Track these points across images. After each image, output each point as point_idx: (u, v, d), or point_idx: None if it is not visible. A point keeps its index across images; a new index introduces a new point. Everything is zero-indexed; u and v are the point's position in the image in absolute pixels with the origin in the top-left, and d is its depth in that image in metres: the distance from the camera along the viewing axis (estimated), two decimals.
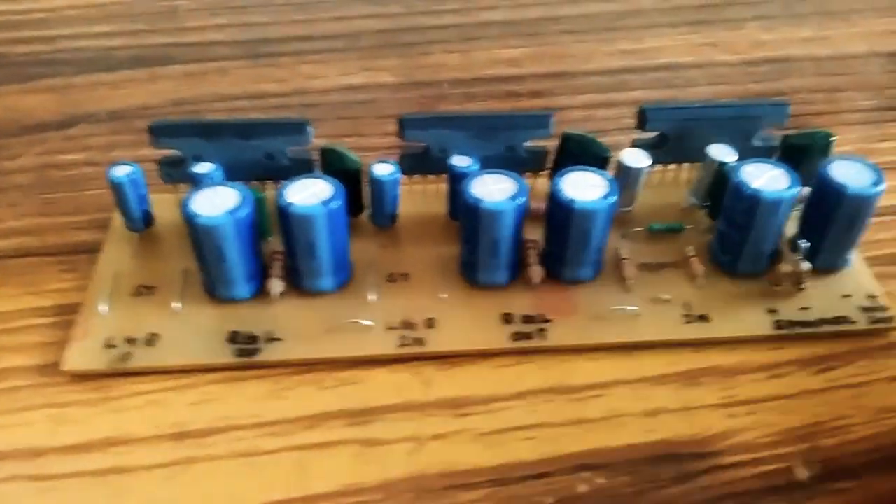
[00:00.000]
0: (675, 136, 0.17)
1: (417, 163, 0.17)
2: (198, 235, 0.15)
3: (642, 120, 0.17)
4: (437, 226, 0.18)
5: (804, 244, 0.16)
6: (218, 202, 0.15)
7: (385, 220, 0.17)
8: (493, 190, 0.15)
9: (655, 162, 0.18)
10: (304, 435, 0.14)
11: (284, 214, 0.15)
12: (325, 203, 0.15)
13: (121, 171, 0.16)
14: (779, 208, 0.15)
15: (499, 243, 0.15)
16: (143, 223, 0.17)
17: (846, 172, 0.16)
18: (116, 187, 0.16)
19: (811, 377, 0.15)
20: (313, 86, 0.23)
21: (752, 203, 0.15)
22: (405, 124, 0.16)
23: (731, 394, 0.15)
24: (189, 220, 0.15)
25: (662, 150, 0.18)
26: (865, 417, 0.15)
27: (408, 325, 0.16)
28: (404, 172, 0.17)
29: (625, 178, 0.17)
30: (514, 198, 0.15)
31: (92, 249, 0.18)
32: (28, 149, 0.21)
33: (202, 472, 0.14)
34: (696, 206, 0.18)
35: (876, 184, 0.16)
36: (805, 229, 0.17)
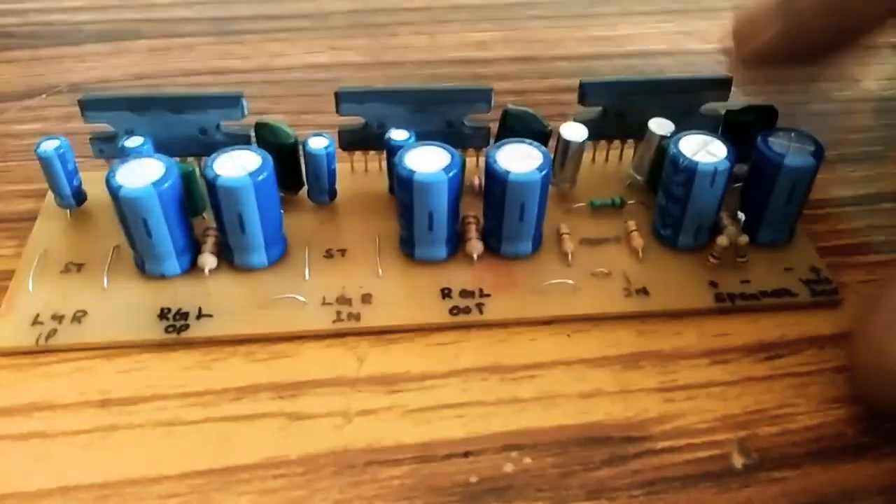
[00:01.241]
0: (616, 111, 0.17)
1: (356, 138, 0.17)
2: (122, 208, 0.14)
3: (582, 94, 0.17)
4: (378, 202, 0.17)
5: (741, 216, 0.16)
6: (142, 174, 0.14)
7: (322, 195, 0.17)
8: (427, 162, 0.15)
9: (600, 138, 0.17)
10: (230, 406, 0.14)
11: (211, 186, 0.14)
12: (253, 175, 0.14)
13: (48, 146, 0.16)
14: (714, 180, 0.15)
15: (433, 216, 0.15)
16: (74, 199, 0.17)
17: (784, 144, 0.16)
18: (44, 162, 0.16)
19: (756, 364, 0.15)
20: (277, 63, 0.23)
21: (688, 175, 0.15)
22: (341, 98, 0.16)
23: (670, 378, 0.15)
24: (112, 193, 0.14)
25: (605, 125, 0.17)
26: (809, 407, 0.14)
27: (343, 300, 0.15)
28: (343, 148, 0.17)
29: (564, 153, 0.16)
30: (447, 169, 0.14)
31: (35, 218, 0.18)
32: None
33: (123, 440, 0.13)
34: (638, 181, 0.18)
35: (815, 155, 0.15)
36: (745, 203, 0.16)
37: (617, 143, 0.18)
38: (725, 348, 0.15)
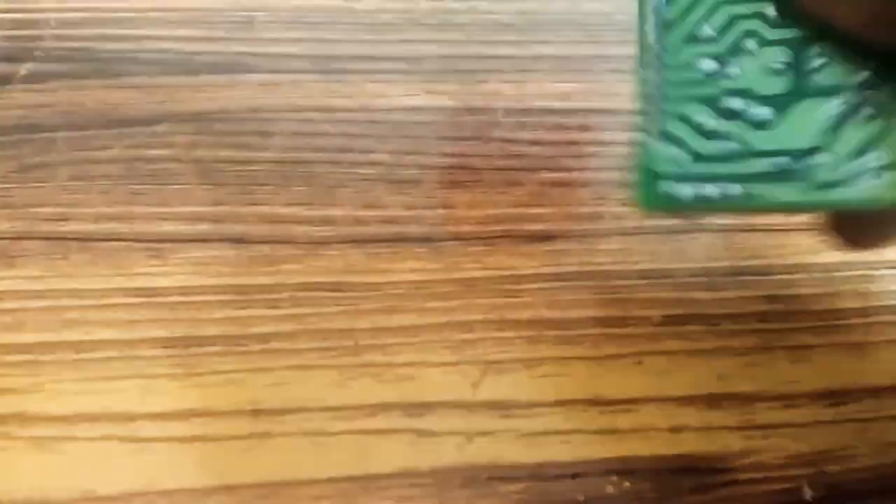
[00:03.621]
0: None
1: None
2: None
3: None
4: None
5: None
6: None
7: None
8: None
9: None
10: (365, 421, 0.16)
11: None
12: None
13: None
14: None
15: None
16: None
17: None
18: None
19: (822, 409, 0.17)
20: (377, 104, 0.25)
21: None
22: None
23: (749, 418, 0.17)
24: None
25: None
26: (869, 449, 0.16)
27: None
28: None
29: None
30: None
31: (175, 240, 0.20)
32: (116, 141, 0.23)
33: (276, 446, 0.16)
34: None
35: None
36: None
37: None
38: (795, 393, 0.17)
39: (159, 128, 0.23)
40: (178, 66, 0.26)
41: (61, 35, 0.27)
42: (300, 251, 0.19)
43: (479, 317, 0.18)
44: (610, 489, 0.15)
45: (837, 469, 0.16)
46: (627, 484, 0.15)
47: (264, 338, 0.17)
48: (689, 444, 0.16)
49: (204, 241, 0.20)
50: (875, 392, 0.17)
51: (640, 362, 0.18)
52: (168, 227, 0.20)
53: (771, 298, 0.19)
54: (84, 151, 0.22)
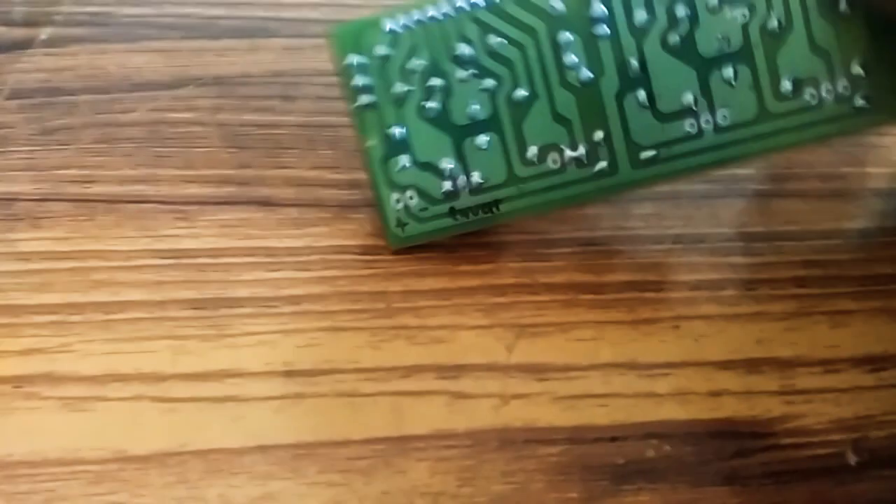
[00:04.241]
0: None
1: None
2: None
3: None
4: None
5: None
6: None
7: None
8: None
9: None
10: (399, 383, 0.16)
11: None
12: None
13: None
14: None
15: None
16: None
17: None
18: None
19: (864, 375, 0.17)
20: None
21: None
22: None
23: (789, 383, 0.16)
24: None
25: None
26: None
27: None
28: None
29: None
30: None
31: (202, 202, 0.19)
32: (140, 104, 0.22)
33: (310, 407, 0.15)
34: None
35: None
36: None
37: None
38: (835, 359, 0.17)
39: (182, 91, 0.23)
40: (199, 31, 0.26)
41: (81, 0, 0.27)
42: (328, 214, 0.19)
43: (512, 280, 0.18)
44: (650, 453, 0.15)
45: (881, 434, 0.16)
46: (668, 447, 0.15)
47: (295, 300, 0.17)
48: (730, 409, 0.16)
49: (231, 203, 0.19)
50: None
51: (677, 326, 0.17)
52: (194, 190, 0.20)
53: (808, 263, 0.18)
54: (107, 114, 0.22)
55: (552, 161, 0.17)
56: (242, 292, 0.17)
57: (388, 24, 0.17)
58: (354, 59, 0.17)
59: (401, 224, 0.17)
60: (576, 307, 0.18)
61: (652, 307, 0.18)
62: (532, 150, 0.17)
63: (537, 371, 0.16)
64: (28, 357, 0.16)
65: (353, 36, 0.17)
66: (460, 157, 0.17)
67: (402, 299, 0.17)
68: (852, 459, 0.15)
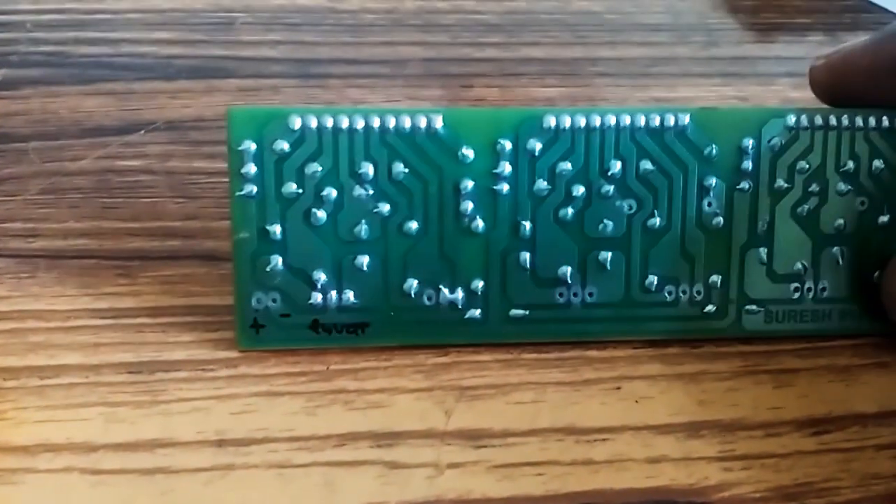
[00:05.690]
0: None
1: None
2: None
3: None
4: None
5: None
6: None
7: None
8: None
9: None
10: (333, 452, 0.16)
11: None
12: None
13: None
14: None
15: None
16: None
17: None
18: None
19: (805, 438, 0.16)
20: None
21: None
22: None
23: (729, 448, 0.16)
24: None
25: None
26: (853, 482, 0.16)
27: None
28: None
29: None
30: None
31: (144, 257, 0.19)
32: (89, 151, 0.22)
33: (241, 479, 0.15)
34: None
35: None
36: None
37: None
38: (777, 421, 0.17)
39: (133, 137, 0.23)
40: (154, 71, 0.26)
41: (37, 38, 0.27)
42: None
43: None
44: None
45: (820, 503, 0.15)
46: None
47: (232, 362, 0.17)
48: (667, 476, 0.16)
49: (174, 258, 0.19)
50: (861, 419, 0.17)
51: (618, 388, 0.17)
52: (138, 244, 0.20)
53: None
54: (56, 163, 0.22)
55: (427, 298, 0.17)
56: (179, 354, 0.17)
57: (297, 122, 0.16)
58: (250, 146, 0.16)
59: (256, 325, 0.17)
60: (517, 367, 0.17)
61: (594, 367, 0.17)
62: (411, 283, 0.17)
63: (475, 437, 0.16)
64: None
65: (256, 123, 0.16)
66: (336, 273, 0.17)
67: (342, 360, 0.17)
68: None
